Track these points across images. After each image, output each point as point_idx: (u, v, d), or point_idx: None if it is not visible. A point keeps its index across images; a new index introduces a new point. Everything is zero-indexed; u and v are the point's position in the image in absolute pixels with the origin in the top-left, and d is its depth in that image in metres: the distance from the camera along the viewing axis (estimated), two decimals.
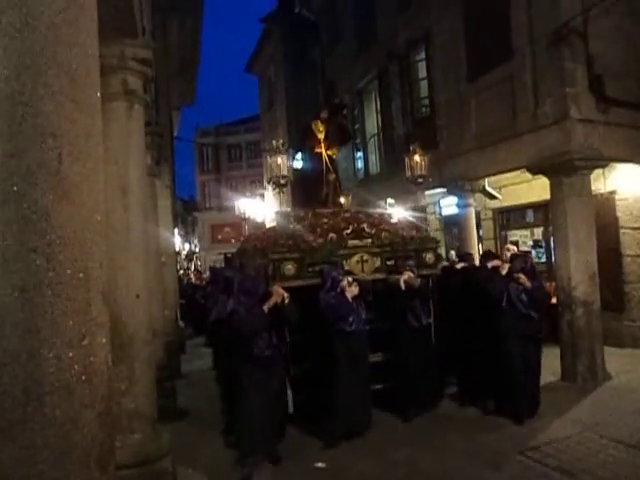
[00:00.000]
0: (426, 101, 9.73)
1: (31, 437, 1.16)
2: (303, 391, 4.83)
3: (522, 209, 9.44)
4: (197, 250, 37.78)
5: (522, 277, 4.93)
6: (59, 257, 1.23)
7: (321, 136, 6.43)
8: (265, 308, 3.97)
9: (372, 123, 11.97)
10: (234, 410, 4.45)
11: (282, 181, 5.77)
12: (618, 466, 3.64)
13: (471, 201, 8.59)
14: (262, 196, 20.74)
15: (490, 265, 5.37)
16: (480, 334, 5.14)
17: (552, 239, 7.62)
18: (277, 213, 5.89)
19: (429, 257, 5.78)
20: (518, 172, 7.48)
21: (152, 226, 5.10)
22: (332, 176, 6.48)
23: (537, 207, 8.96)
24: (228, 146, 35.46)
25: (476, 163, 7.86)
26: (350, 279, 4.82)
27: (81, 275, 1.27)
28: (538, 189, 7.96)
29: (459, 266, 5.95)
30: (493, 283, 5.08)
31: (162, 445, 3.55)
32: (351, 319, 4.65)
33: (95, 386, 1.28)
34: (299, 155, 12.00)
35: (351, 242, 5.40)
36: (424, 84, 9.69)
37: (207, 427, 5.12)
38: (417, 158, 6.41)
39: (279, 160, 5.72)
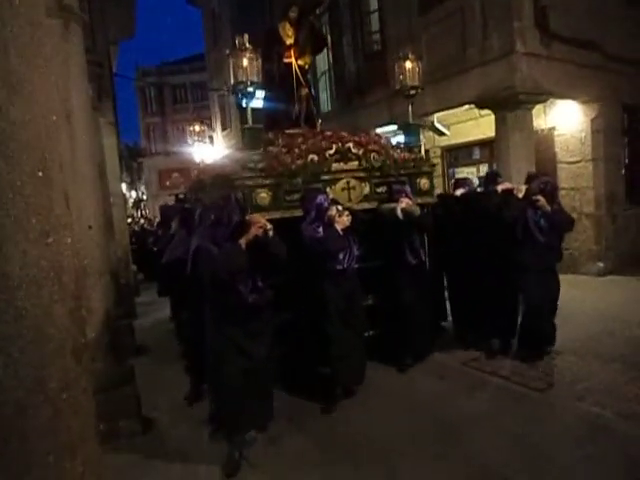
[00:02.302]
0: (377, 36, 9.57)
1: (5, 329, 1.20)
2: (286, 345, 3.98)
3: (469, 146, 9.72)
4: (145, 198, 36.52)
5: (541, 199, 4.26)
6: (16, 155, 1.22)
7: (290, 41, 5.31)
8: (242, 243, 3.03)
9: (323, 59, 11.68)
10: (207, 378, 3.52)
11: (250, 88, 4.39)
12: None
13: (421, 138, 8.74)
14: (211, 138, 20.08)
15: (501, 189, 4.65)
16: (488, 269, 4.54)
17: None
18: (245, 129, 4.62)
19: (424, 183, 5.02)
20: (466, 108, 7.65)
21: (99, 160, 4.90)
22: (305, 91, 5.42)
23: (483, 144, 9.26)
24: (173, 86, 33.64)
25: (426, 99, 7.93)
26: (340, 207, 4.05)
27: (40, 174, 1.27)
28: (484, 127, 8.21)
29: (459, 192, 5.14)
30: (508, 208, 4.37)
31: (125, 372, 3.65)
32: (342, 256, 3.92)
33: (65, 284, 1.32)
34: (260, 93, 11.47)
35: (335, 165, 4.56)
36: (375, 17, 9.48)
37: (167, 362, 5.24)
38: (409, 65, 5.22)
39: (244, 61, 4.32)
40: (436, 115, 8.50)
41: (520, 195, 4.44)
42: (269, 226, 3.11)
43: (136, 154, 36.81)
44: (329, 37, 11.01)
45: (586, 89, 7.32)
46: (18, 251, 1.22)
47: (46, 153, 1.29)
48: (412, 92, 5.29)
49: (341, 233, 3.90)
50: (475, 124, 8.71)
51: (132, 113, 36.13)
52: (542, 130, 8.09)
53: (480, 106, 7.10)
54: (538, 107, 7.31)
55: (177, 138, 26.44)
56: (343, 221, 3.91)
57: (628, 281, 7.24)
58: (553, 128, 8.09)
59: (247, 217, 3.24)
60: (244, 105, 4.55)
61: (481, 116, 8.10)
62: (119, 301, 5.88)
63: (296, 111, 5.38)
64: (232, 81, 4.37)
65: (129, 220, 19.99)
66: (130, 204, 33.41)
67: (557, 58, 6.71)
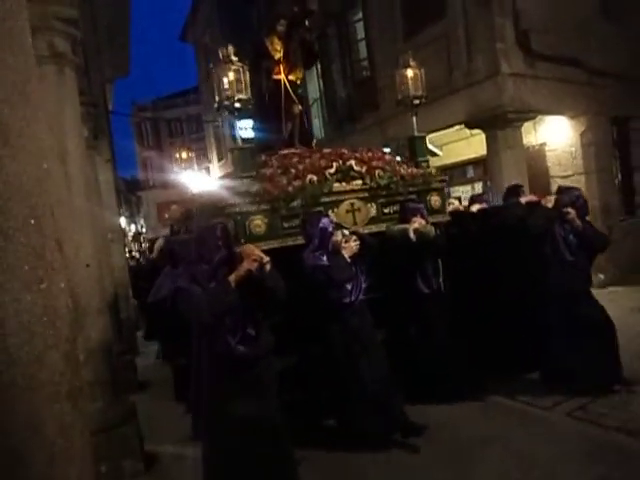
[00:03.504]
0: (366, 62, 9.79)
1: None
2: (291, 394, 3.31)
3: (462, 165, 9.83)
4: (144, 231, 36.66)
5: (572, 212, 3.83)
6: (8, 203, 1.25)
7: (279, 56, 4.86)
8: (232, 280, 2.54)
9: (314, 87, 11.92)
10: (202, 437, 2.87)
11: (238, 104, 3.93)
12: None
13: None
14: (207, 169, 20.32)
15: (524, 200, 4.26)
16: (508, 293, 4.11)
17: (490, 193, 8.04)
18: (234, 150, 4.20)
19: (435, 200, 4.50)
20: (457, 128, 7.77)
21: (95, 199, 4.95)
22: (297, 108, 4.92)
23: (476, 163, 9.36)
24: (168, 120, 34.19)
25: (418, 121, 8.07)
26: (346, 232, 3.64)
27: (32, 221, 1.29)
28: (476, 145, 8.32)
29: (475, 208, 4.64)
30: (534, 217, 3.94)
31: (125, 411, 3.60)
32: (349, 287, 3.46)
33: (58, 328, 1.33)
34: (247, 123, 11.53)
35: (336, 186, 4.12)
36: (363, 45, 9.72)
37: (170, 397, 5.17)
38: (410, 73, 4.76)
39: (231, 75, 3.90)
40: (428, 137, 8.61)
41: (549, 206, 4.03)
42: (265, 259, 2.62)
43: (134, 187, 37.13)
44: (319, 65, 11.30)
45: (573, 104, 7.46)
46: (11, 298, 1.23)
47: (38, 201, 1.32)
48: (416, 102, 4.83)
49: (349, 261, 3.45)
50: (467, 143, 8.83)
51: (129, 147, 36.62)
52: (533, 146, 8.20)
53: (470, 126, 7.22)
54: (528, 124, 7.43)
55: (174, 170, 26.71)
56: (351, 247, 3.46)
57: (631, 291, 7.22)
58: (544, 144, 8.20)
59: (239, 249, 2.77)
60: (234, 119, 4.18)
61: (472, 135, 8.22)
62: (120, 337, 5.87)
63: (289, 130, 4.93)
64: (217, 97, 3.99)
65: (128, 254, 20.05)
66: (130, 238, 33.52)
67: (542, 76, 6.86)
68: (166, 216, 34.23)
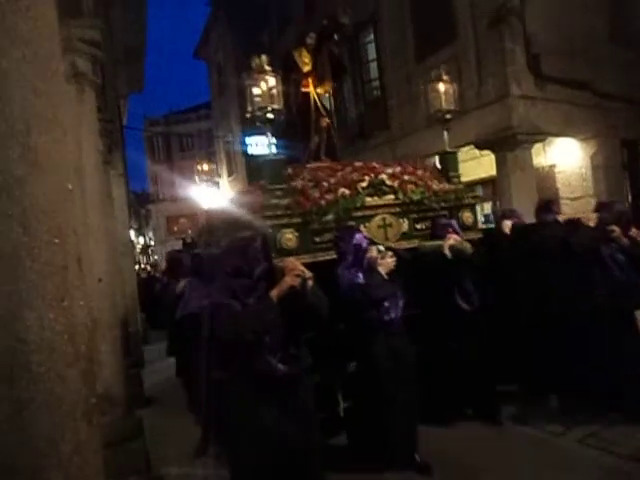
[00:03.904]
0: (377, 82, 9.92)
1: (18, 393, 1.23)
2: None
3: (472, 185, 9.81)
4: (152, 243, 36.92)
5: (617, 230, 3.71)
6: (34, 224, 1.28)
7: (307, 69, 4.85)
8: (274, 296, 2.41)
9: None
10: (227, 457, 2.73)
11: (270, 115, 3.82)
12: None
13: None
14: (217, 184, 20.49)
15: (562, 219, 4.14)
16: (553, 312, 3.92)
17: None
18: (266, 161, 4.03)
19: (467, 217, 4.41)
20: (467, 149, 7.81)
21: (108, 214, 5.02)
22: (325, 121, 4.85)
23: (486, 183, 9.37)
24: (179, 135, 34.67)
25: (427, 141, 8.12)
26: (381, 247, 3.51)
27: (57, 240, 1.33)
28: (486, 165, 8.35)
29: (507, 225, 4.45)
30: (578, 237, 3.79)
31: (133, 426, 3.60)
32: (387, 304, 3.34)
33: (77, 345, 1.35)
34: (258, 139, 11.56)
35: (368, 200, 4.04)
36: (374, 66, 9.87)
37: (176, 412, 5.16)
38: (442, 87, 4.64)
39: (263, 85, 3.78)
40: (437, 157, 8.68)
41: (591, 224, 3.88)
42: (308, 274, 2.47)
43: (144, 200, 37.53)
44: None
45: (583, 127, 7.49)
46: (35, 315, 1.26)
47: (62, 220, 1.36)
48: (448, 116, 4.75)
49: (385, 278, 3.34)
50: (477, 163, 8.86)
51: (140, 160, 37.07)
52: (543, 167, 8.20)
53: (480, 147, 7.27)
54: (537, 145, 7.47)
55: (184, 184, 27.02)
56: (387, 264, 3.35)
57: None
58: (553, 165, 8.20)
59: (280, 262, 2.63)
60: (263, 134, 4.08)
61: (482, 155, 8.25)
62: (127, 350, 5.88)
63: (316, 143, 4.86)
64: (249, 107, 3.89)
65: (137, 267, 20.19)
66: (138, 250, 33.76)
67: (552, 99, 6.92)
68: (175, 229, 34.40)
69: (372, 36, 9.71)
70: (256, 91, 3.84)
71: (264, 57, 3.94)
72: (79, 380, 1.35)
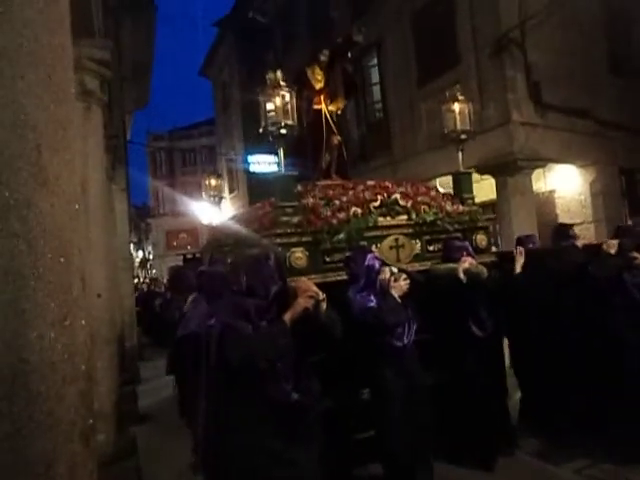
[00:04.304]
0: (379, 105, 10.05)
1: (17, 412, 1.22)
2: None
3: None
4: (151, 257, 36.88)
5: (639, 257, 3.58)
6: (40, 242, 1.29)
7: (320, 86, 4.80)
8: (287, 319, 2.26)
9: None
10: None
11: (284, 130, 3.78)
12: None
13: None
14: (223, 200, 20.56)
15: (581, 244, 4.03)
16: (571, 342, 3.74)
17: (499, 237, 8.08)
18: (276, 177, 3.94)
19: (480, 239, 4.30)
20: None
21: (110, 229, 5.04)
22: (336, 139, 4.78)
23: (486, 206, 9.41)
24: (182, 150, 34.96)
25: (428, 164, 8.22)
26: (394, 269, 3.37)
27: (62, 260, 1.34)
28: (486, 189, 8.41)
29: (522, 251, 4.23)
30: (598, 265, 3.65)
31: (127, 443, 3.56)
32: (401, 330, 3.23)
33: (77, 364, 1.35)
34: (261, 158, 11.64)
35: (381, 220, 3.94)
36: (377, 89, 10.02)
37: (171, 430, 5.10)
38: (457, 107, 4.58)
39: (277, 100, 3.76)
40: (438, 180, 8.75)
41: (612, 251, 3.72)
42: (322, 295, 2.33)
43: (144, 214, 37.64)
44: None
45: (582, 154, 7.58)
46: (37, 335, 1.26)
47: (68, 240, 1.37)
48: (463, 137, 4.69)
49: (399, 301, 3.20)
50: (478, 187, 8.86)
51: (142, 174, 37.32)
52: (543, 193, 8.27)
53: (481, 172, 7.34)
54: (538, 171, 7.55)
55: (185, 199, 27.15)
56: (400, 287, 3.21)
57: None
58: (553, 191, 8.28)
59: (292, 282, 2.50)
60: (276, 150, 3.93)
61: (482, 179, 8.32)
62: (123, 366, 5.84)
63: (327, 161, 4.79)
64: (262, 122, 3.83)
65: (135, 280, 20.13)
66: (136, 264, 33.73)
67: (552, 126, 7.01)
68: (174, 244, 34.38)
69: (376, 60, 9.88)
70: (270, 106, 3.80)
71: (279, 73, 3.89)
72: (78, 400, 1.35)
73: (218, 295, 2.88)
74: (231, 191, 20.53)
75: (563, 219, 8.13)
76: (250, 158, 12.95)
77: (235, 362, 2.20)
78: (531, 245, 4.37)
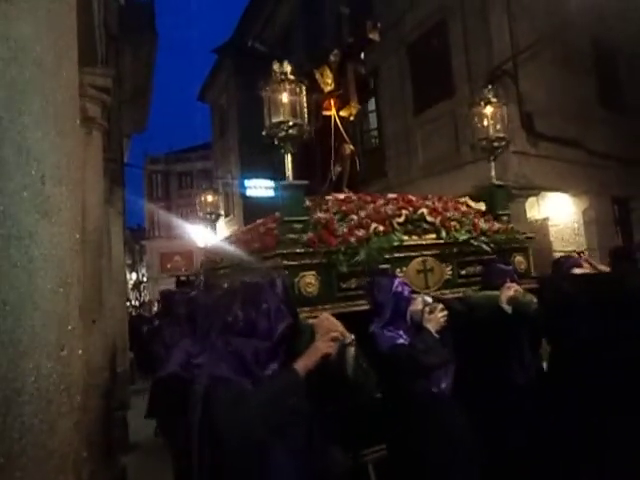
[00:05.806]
0: (375, 132, 10.21)
1: (9, 445, 1.21)
2: None
3: None
4: (145, 280, 36.65)
5: None
6: (40, 273, 1.30)
7: (329, 89, 4.26)
8: (300, 370, 1.70)
9: None
10: None
11: (292, 131, 3.12)
12: None
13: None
14: (219, 218, 20.60)
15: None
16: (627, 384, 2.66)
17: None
18: (282, 187, 3.22)
19: (519, 262, 3.68)
20: (462, 200, 7.97)
21: (105, 252, 5.03)
22: (348, 148, 4.24)
23: None
24: (179, 173, 35.16)
25: (423, 191, 8.27)
26: (429, 299, 2.71)
27: (61, 290, 1.34)
28: None
29: (577, 272, 3.39)
30: None
31: (117, 474, 3.48)
32: (439, 372, 2.58)
33: (72, 396, 1.34)
34: (253, 182, 11.77)
35: (406, 239, 3.30)
36: (373, 116, 10.18)
37: (161, 459, 4.98)
38: (489, 110, 3.96)
39: (284, 96, 3.19)
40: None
41: None
42: (349, 338, 1.81)
43: (139, 236, 37.56)
44: None
45: (575, 183, 7.70)
46: (33, 365, 1.25)
47: (67, 269, 1.38)
48: (496, 144, 4.11)
49: (437, 337, 2.56)
50: None
51: (137, 196, 37.39)
52: (536, 220, 8.36)
53: (475, 200, 7.41)
54: (531, 199, 7.64)
55: (180, 222, 27.17)
56: (437, 319, 2.57)
57: None
58: (547, 218, 8.37)
59: (312, 321, 1.98)
60: (282, 151, 3.24)
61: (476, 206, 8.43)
62: (114, 392, 5.73)
63: (337, 172, 4.21)
64: (266, 122, 3.23)
65: (127, 304, 19.93)
66: (130, 286, 33.47)
67: (545, 155, 7.15)
68: (168, 266, 34.16)
69: (371, 87, 10.07)
70: (275, 103, 3.18)
71: (286, 64, 3.28)
72: (71, 432, 1.33)
73: (207, 330, 2.27)
74: (227, 215, 20.59)
75: (557, 246, 8.21)
76: (247, 182, 13.07)
77: (226, 434, 1.60)
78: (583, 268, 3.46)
